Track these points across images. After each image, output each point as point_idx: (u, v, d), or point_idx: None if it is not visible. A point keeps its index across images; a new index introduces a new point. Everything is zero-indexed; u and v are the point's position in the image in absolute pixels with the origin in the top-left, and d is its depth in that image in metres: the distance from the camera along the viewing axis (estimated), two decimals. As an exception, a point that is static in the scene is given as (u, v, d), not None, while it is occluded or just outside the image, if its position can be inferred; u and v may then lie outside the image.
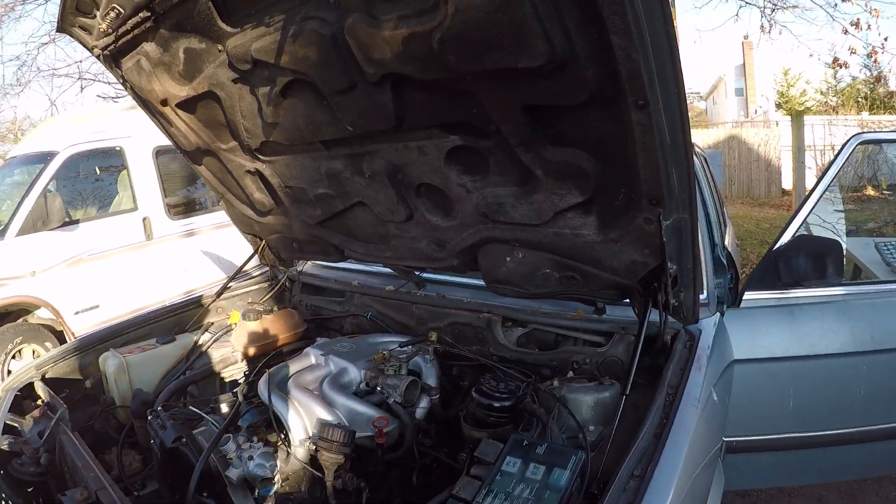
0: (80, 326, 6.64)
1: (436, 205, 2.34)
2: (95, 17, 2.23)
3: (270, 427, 2.17)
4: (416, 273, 2.96)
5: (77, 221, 6.84)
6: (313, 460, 2.02)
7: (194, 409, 2.33)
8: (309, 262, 3.72)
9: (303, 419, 2.12)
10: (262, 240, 3.39)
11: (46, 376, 2.84)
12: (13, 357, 6.30)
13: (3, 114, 20.68)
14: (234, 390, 2.46)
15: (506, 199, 2.07)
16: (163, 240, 7.46)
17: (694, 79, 44.33)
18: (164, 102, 2.61)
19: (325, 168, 2.48)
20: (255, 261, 3.56)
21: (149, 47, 2.31)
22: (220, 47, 2.11)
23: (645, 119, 1.50)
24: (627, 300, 2.19)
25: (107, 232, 7.03)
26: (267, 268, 3.71)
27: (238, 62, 2.10)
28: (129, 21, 2.15)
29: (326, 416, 2.09)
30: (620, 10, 1.31)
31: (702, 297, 2.38)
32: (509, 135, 1.81)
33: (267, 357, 2.76)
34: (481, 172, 2.06)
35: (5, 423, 2.47)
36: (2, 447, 2.33)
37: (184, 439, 2.15)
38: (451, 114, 1.91)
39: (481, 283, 2.51)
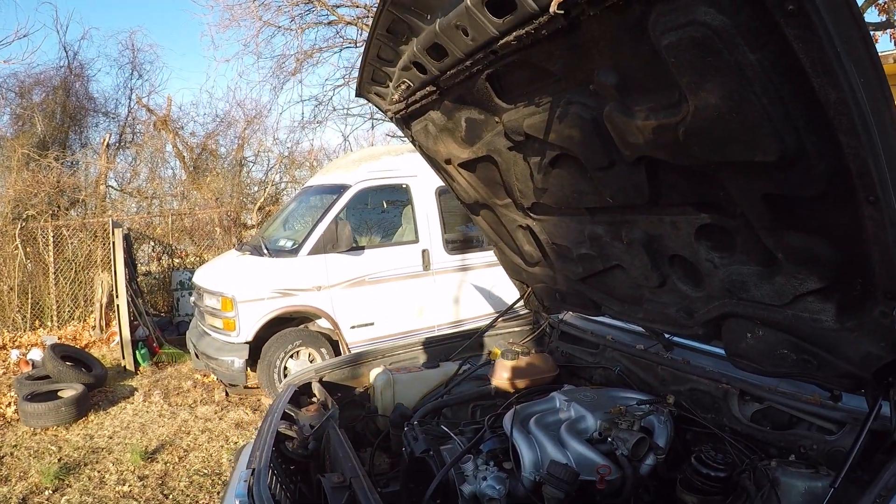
0: (354, 339, 7.58)
1: (686, 275, 2.46)
2: (388, 86, 2.70)
3: (507, 456, 2.46)
4: (666, 336, 3.07)
5: (363, 248, 7.82)
6: (537, 492, 2.26)
7: (445, 429, 2.69)
8: (569, 313, 3.96)
9: (536, 454, 2.39)
10: (528, 287, 3.71)
11: (323, 379, 3.44)
12: (291, 357, 7.44)
13: (303, 145, 24.08)
14: (483, 418, 2.79)
15: (749, 278, 2.15)
16: (439, 271, 8.17)
17: None
18: (448, 161, 3.06)
19: (588, 231, 2.72)
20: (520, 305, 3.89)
21: (435, 115, 2.76)
22: (496, 119, 2.47)
23: (877, 214, 1.55)
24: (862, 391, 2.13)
25: (388, 259, 7.91)
26: (530, 312, 4.03)
27: (512, 134, 2.45)
28: (418, 93, 2.59)
29: (557, 455, 2.34)
30: (846, 110, 1.39)
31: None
32: (753, 219, 1.91)
33: (516, 394, 3.05)
34: (728, 250, 2.17)
35: (285, 412, 3.01)
36: (279, 430, 2.84)
37: (431, 452, 2.54)
38: (700, 195, 2.06)
39: (723, 353, 2.55)
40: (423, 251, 8.08)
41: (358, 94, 2.96)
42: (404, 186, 8.08)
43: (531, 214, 3.01)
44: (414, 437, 2.70)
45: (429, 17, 2.17)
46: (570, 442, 2.41)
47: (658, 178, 2.11)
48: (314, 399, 3.29)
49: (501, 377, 3.24)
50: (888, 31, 11.39)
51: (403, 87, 2.60)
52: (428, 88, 2.54)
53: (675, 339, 3.08)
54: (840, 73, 1.35)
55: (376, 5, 2.51)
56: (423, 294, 8.06)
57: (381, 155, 8.36)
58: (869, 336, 1.89)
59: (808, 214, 1.77)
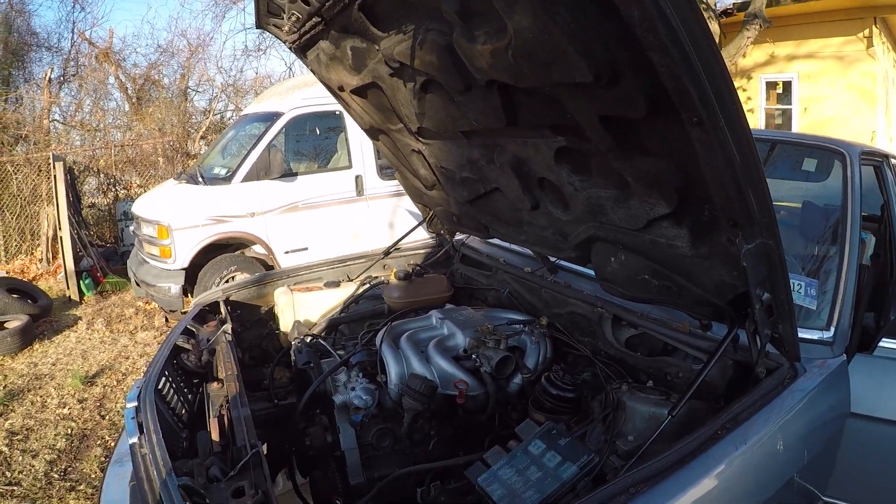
0: (289, 264, 7.46)
1: (556, 198, 2.47)
2: (283, 18, 2.68)
3: (377, 369, 2.57)
4: (552, 259, 3.13)
5: (296, 174, 7.83)
6: (401, 403, 2.36)
7: (324, 343, 2.82)
8: (471, 236, 4.00)
9: (402, 368, 2.48)
10: (430, 210, 3.75)
11: (230, 299, 3.51)
12: (226, 282, 7.39)
13: (247, 74, 23.36)
14: (360, 334, 2.92)
15: (606, 202, 2.15)
16: (373, 197, 8.21)
17: None
18: (341, 89, 3.06)
19: (467, 155, 2.74)
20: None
21: (324, 44, 2.75)
22: (377, 47, 2.45)
23: (704, 136, 1.51)
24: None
25: (322, 185, 7.93)
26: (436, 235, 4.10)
27: (389, 61, 2.43)
28: (307, 24, 2.59)
29: (420, 369, 2.43)
30: (652, 26, 1.33)
31: (827, 335, 2.30)
32: (597, 141, 1.90)
33: (398, 312, 3.13)
34: (586, 173, 2.17)
35: (186, 328, 3.12)
36: (179, 343, 2.95)
37: (311, 364, 2.67)
38: (551, 117, 2.04)
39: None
40: (357, 177, 8.07)
41: (257, 26, 2.97)
42: (337, 113, 7.98)
43: (420, 139, 3.00)
44: (299, 350, 2.85)
45: None
46: (435, 357, 2.51)
47: (512, 101, 2.10)
48: (217, 316, 3.35)
49: (392, 296, 3.31)
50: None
51: (293, 18, 2.62)
52: (314, 19, 2.54)
53: (561, 262, 3.14)
54: None
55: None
56: (357, 219, 8.10)
57: (315, 82, 8.17)
58: (721, 264, 1.88)
59: (646, 136, 1.74)
